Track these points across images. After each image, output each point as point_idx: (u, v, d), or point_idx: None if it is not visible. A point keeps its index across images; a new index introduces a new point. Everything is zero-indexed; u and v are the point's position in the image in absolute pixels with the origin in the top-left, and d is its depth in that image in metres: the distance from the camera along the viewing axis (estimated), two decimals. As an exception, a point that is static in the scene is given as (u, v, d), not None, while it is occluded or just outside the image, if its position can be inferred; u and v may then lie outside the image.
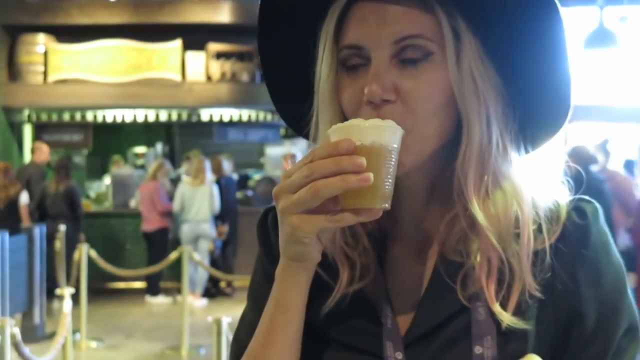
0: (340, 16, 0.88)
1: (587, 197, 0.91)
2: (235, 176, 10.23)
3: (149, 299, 9.08)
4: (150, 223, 9.03)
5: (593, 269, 0.86)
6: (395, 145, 0.79)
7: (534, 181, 0.89)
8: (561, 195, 0.89)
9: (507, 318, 0.82)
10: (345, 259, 0.91)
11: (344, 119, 0.88)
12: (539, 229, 0.86)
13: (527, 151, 0.90)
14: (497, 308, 0.82)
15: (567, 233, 0.86)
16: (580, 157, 5.66)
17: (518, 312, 0.83)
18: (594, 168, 5.96)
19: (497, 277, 0.83)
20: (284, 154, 10.46)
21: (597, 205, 0.90)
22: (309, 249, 0.82)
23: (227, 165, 9.56)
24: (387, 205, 0.79)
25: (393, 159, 0.79)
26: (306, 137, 0.98)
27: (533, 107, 0.89)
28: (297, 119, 0.98)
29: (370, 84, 0.83)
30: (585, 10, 8.41)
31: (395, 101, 0.83)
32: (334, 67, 0.89)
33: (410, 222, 0.93)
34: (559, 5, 0.83)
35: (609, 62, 9.10)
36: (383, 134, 0.78)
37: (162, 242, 9.05)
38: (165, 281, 9.35)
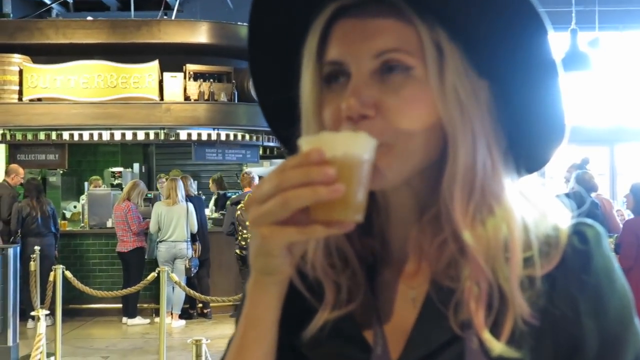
0: (323, 33, 0.87)
1: (588, 221, 0.87)
2: (203, 197, 10.31)
3: (126, 320, 8.97)
4: (125, 244, 8.97)
5: (595, 297, 0.82)
6: (367, 157, 0.77)
7: (530, 203, 0.86)
8: (561, 219, 0.86)
9: (497, 347, 0.78)
10: (330, 281, 0.89)
11: None
12: (542, 255, 0.82)
13: (522, 174, 0.88)
14: (486, 335, 0.79)
15: (568, 259, 0.83)
16: (584, 182, 5.77)
17: (512, 340, 0.79)
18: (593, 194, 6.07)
19: (487, 303, 0.80)
20: (242, 175, 10.49)
21: (600, 229, 0.86)
22: (278, 261, 0.80)
23: (193, 185, 9.59)
24: (359, 217, 0.77)
25: (366, 171, 0.77)
26: None
27: (526, 128, 0.87)
28: (293, 139, 0.94)
29: (348, 99, 0.81)
30: (558, 35, 8.57)
31: (375, 117, 0.81)
32: (316, 85, 0.88)
33: (400, 244, 0.91)
34: (547, 25, 0.81)
35: (581, 85, 9.26)
36: (354, 144, 0.77)
37: (138, 262, 8.99)
38: (141, 302, 9.25)
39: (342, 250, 0.90)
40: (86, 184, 11.70)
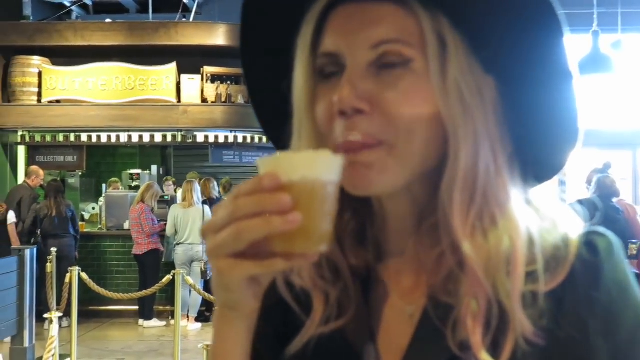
0: (319, 23, 0.81)
1: (601, 230, 0.79)
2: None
3: (142, 322, 8.98)
4: (140, 246, 8.98)
5: (606, 315, 0.74)
6: (331, 178, 0.70)
7: (538, 212, 0.79)
8: (572, 229, 0.79)
9: None
10: (320, 293, 0.82)
11: (315, 137, 0.81)
12: (545, 266, 0.75)
13: (533, 181, 0.81)
14: (483, 356, 0.72)
15: (576, 273, 0.75)
16: (606, 187, 5.67)
17: None
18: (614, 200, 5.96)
19: (486, 320, 0.73)
20: (223, 182, 10.46)
21: (613, 238, 0.78)
22: (239, 296, 0.74)
23: (216, 188, 9.56)
24: (323, 247, 0.70)
25: (329, 195, 0.69)
26: None
27: (537, 132, 0.80)
28: (284, 140, 0.89)
29: (341, 90, 0.74)
30: (580, 37, 8.45)
31: (372, 112, 0.75)
32: (310, 78, 0.81)
33: (397, 256, 0.85)
34: (563, 25, 0.75)
35: (603, 88, 9.14)
36: (314, 167, 0.69)
37: (153, 264, 8.98)
38: (158, 305, 9.25)
39: (333, 261, 0.84)
40: (104, 185, 11.75)
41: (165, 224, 8.97)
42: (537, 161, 0.82)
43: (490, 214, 0.76)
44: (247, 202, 0.67)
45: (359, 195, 0.79)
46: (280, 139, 0.90)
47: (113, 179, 11.47)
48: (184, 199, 8.88)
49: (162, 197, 9.79)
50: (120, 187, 11.50)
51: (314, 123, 0.81)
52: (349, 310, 0.82)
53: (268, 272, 0.73)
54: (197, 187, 8.93)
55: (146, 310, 9.02)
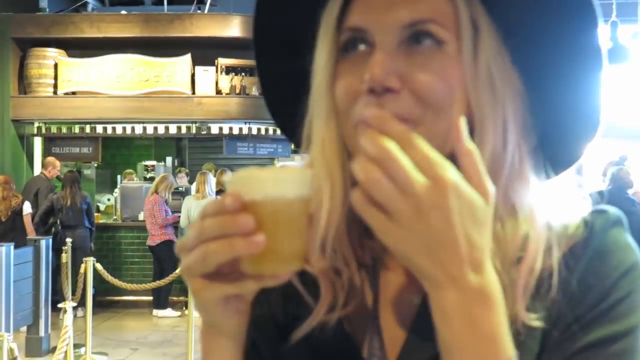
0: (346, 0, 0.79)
1: (603, 207, 0.78)
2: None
3: (157, 312, 9.03)
4: (153, 237, 9.02)
5: (581, 283, 0.73)
6: (299, 194, 0.67)
7: (550, 200, 0.78)
8: (577, 212, 0.78)
9: None
10: (328, 282, 0.81)
11: (335, 115, 0.79)
12: (546, 253, 0.75)
13: (547, 175, 0.79)
14: None
15: (573, 253, 0.75)
16: (619, 179, 5.62)
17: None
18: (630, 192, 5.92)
19: None
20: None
21: (611, 212, 0.77)
22: (217, 315, 0.73)
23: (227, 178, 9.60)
24: (295, 267, 0.68)
25: (298, 213, 0.67)
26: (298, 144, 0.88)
27: (556, 123, 0.79)
28: (292, 124, 0.88)
29: (372, 68, 0.72)
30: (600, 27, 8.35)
31: (401, 91, 0.73)
32: (333, 53, 0.79)
33: None
34: (598, 14, 0.73)
35: (622, 79, 9.04)
36: (278, 184, 0.66)
37: (167, 255, 9.00)
38: (173, 295, 9.30)
39: (340, 251, 0.82)
40: (119, 177, 11.81)
41: (179, 216, 9.00)
42: (554, 153, 0.80)
43: (511, 204, 0.75)
44: (211, 224, 0.66)
45: None
46: (290, 128, 0.89)
47: (128, 171, 11.54)
48: (197, 191, 8.93)
49: (176, 188, 9.82)
50: (135, 179, 11.56)
51: (331, 100, 0.79)
52: (354, 300, 0.81)
53: (242, 292, 0.72)
54: (211, 179, 8.95)
55: (161, 301, 9.07)
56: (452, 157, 0.74)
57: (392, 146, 0.61)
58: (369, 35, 0.76)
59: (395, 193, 0.60)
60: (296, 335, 0.81)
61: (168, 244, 9.03)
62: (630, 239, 0.77)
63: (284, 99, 0.92)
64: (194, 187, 9.53)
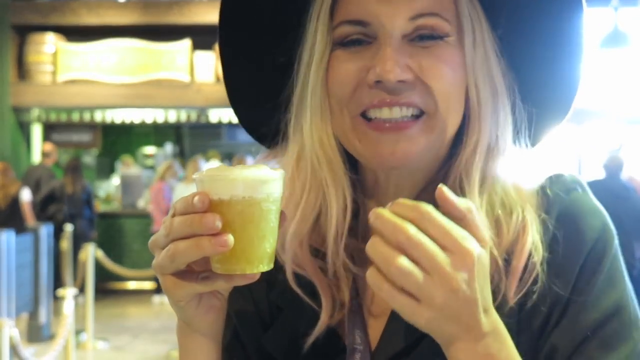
0: None
1: (558, 173, 0.81)
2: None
3: (158, 298, 9.05)
4: (158, 224, 9.03)
5: (554, 253, 0.75)
6: (269, 195, 0.67)
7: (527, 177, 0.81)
8: (533, 180, 0.81)
9: None
10: (324, 285, 0.81)
11: (330, 109, 0.80)
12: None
13: (525, 146, 0.82)
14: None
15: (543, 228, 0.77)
16: (612, 166, 5.62)
17: None
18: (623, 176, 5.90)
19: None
20: (235, 158, 10.51)
21: (569, 177, 0.80)
22: (189, 312, 0.74)
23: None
24: (265, 267, 0.68)
25: (267, 213, 0.67)
26: (271, 146, 0.88)
27: (536, 103, 0.82)
28: (261, 124, 0.89)
29: (384, 64, 0.73)
30: (600, 12, 8.32)
31: (414, 82, 0.74)
32: (328, 46, 0.79)
33: None
34: (584, 4, 0.76)
35: (624, 64, 9.01)
36: (247, 184, 0.66)
37: None
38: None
39: (332, 254, 0.82)
40: (119, 164, 11.78)
41: None
42: (534, 131, 0.83)
43: (503, 189, 0.77)
44: (179, 222, 0.66)
45: (388, 170, 0.78)
46: (254, 123, 0.90)
47: (125, 157, 11.49)
48: (187, 177, 9.04)
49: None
50: (134, 165, 11.52)
51: (325, 95, 0.79)
52: (345, 301, 0.82)
53: (212, 289, 0.72)
54: (202, 166, 9.01)
55: (158, 286, 9.11)
56: (448, 146, 0.78)
57: (412, 230, 0.60)
58: (370, 28, 0.76)
59: (426, 281, 0.60)
60: (305, 344, 0.81)
61: None
62: (594, 201, 0.78)
63: (253, 98, 0.91)
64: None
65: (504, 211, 0.76)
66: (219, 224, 0.65)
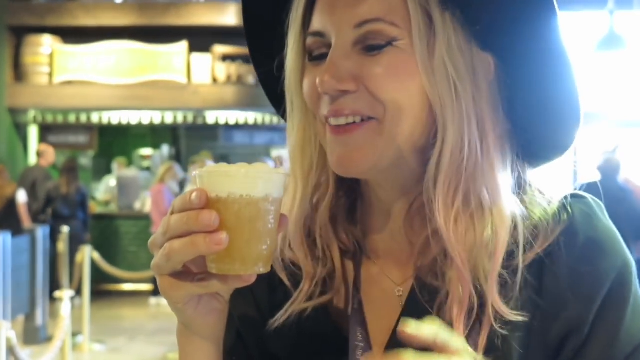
0: (310, 1, 0.80)
1: (578, 193, 0.80)
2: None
3: (154, 300, 9.04)
4: (157, 226, 8.98)
5: (586, 279, 0.75)
6: (268, 194, 0.65)
7: (528, 188, 0.79)
8: (553, 197, 0.79)
9: (477, 355, 0.71)
10: (309, 270, 0.81)
11: (306, 114, 0.81)
12: (528, 243, 0.76)
13: (540, 160, 0.81)
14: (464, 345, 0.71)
15: (555, 241, 0.76)
16: (608, 168, 5.62)
17: (491, 347, 0.73)
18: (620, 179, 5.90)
19: (469, 308, 0.73)
20: (274, 158, 10.44)
21: (590, 199, 0.79)
22: (188, 314, 0.73)
23: None
24: (261, 269, 0.66)
25: (265, 213, 0.65)
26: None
27: (540, 112, 0.78)
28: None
29: (323, 75, 0.74)
30: (595, 15, 8.34)
31: (358, 90, 0.74)
32: (300, 54, 0.81)
33: (386, 236, 0.84)
34: (556, 6, 0.73)
35: (620, 67, 9.04)
36: (245, 182, 0.64)
37: None
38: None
39: (324, 236, 0.83)
40: (115, 165, 11.75)
41: None
42: (541, 140, 0.80)
43: (477, 197, 0.75)
44: (176, 220, 0.66)
45: (346, 176, 0.79)
46: (284, 113, 0.89)
47: (120, 159, 11.38)
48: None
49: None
50: (129, 167, 11.46)
51: (303, 100, 0.81)
52: (335, 289, 0.82)
53: (208, 291, 0.71)
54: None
55: (154, 288, 9.08)
56: (415, 158, 0.77)
57: None
58: (327, 38, 0.77)
59: None
60: (275, 321, 0.81)
61: None
62: (614, 228, 0.78)
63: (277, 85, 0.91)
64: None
65: (478, 222, 0.75)
66: (216, 221, 0.64)
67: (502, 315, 0.73)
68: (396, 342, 0.76)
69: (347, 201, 0.86)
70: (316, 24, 0.79)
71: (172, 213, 0.67)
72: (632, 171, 7.48)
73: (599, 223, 0.77)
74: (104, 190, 11.82)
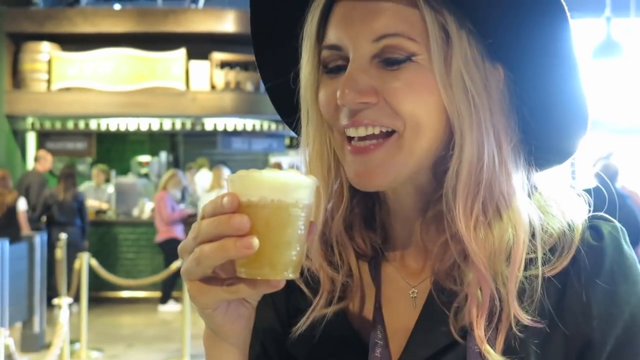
0: (324, 13, 0.81)
1: (606, 215, 0.82)
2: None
3: (160, 307, 9.01)
4: (160, 233, 8.97)
5: (608, 300, 0.76)
6: (298, 200, 0.65)
7: (543, 199, 0.81)
8: (577, 215, 0.80)
9: (496, 358, 0.73)
10: (327, 276, 0.83)
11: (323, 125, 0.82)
12: (550, 252, 0.78)
13: (545, 166, 0.82)
14: (486, 347, 0.74)
15: (580, 258, 0.77)
16: (607, 174, 5.64)
17: (509, 350, 0.74)
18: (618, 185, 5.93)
19: (489, 311, 0.75)
20: (271, 164, 10.46)
21: (618, 224, 0.81)
22: (216, 320, 0.73)
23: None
24: (290, 274, 0.66)
25: (295, 219, 0.65)
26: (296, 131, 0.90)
27: (547, 119, 0.80)
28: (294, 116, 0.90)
29: (343, 88, 0.75)
30: (593, 22, 8.37)
31: (377, 103, 0.75)
32: (315, 69, 0.82)
33: (403, 241, 0.86)
34: (568, 14, 0.74)
35: (616, 74, 9.07)
36: (276, 187, 0.64)
37: (170, 253, 8.90)
38: (177, 290, 9.27)
39: (340, 245, 0.84)
40: (113, 172, 11.68)
41: (188, 212, 9.00)
42: (547, 146, 0.82)
43: (495, 205, 0.77)
44: (207, 224, 0.66)
45: (364, 190, 0.80)
46: (296, 124, 0.90)
47: (101, 166, 10.94)
48: (211, 187, 9.07)
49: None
50: (104, 174, 11.03)
51: (319, 114, 0.82)
52: (353, 293, 0.83)
53: (237, 297, 0.71)
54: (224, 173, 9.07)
55: (163, 295, 9.05)
56: (432, 167, 0.79)
57: None
58: (344, 51, 0.78)
59: None
60: (298, 329, 0.83)
61: (171, 242, 8.93)
62: (635, 256, 0.80)
63: (286, 96, 0.92)
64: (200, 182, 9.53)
65: (498, 229, 0.76)
66: (247, 225, 0.64)
67: (519, 319, 0.74)
68: (414, 344, 0.79)
69: (364, 207, 0.87)
70: (332, 36, 0.79)
71: (203, 218, 0.67)
72: (628, 177, 7.50)
73: (625, 249, 0.79)
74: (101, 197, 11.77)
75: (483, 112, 0.76)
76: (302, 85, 0.84)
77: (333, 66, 0.80)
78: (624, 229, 0.81)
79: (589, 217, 0.81)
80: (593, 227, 0.79)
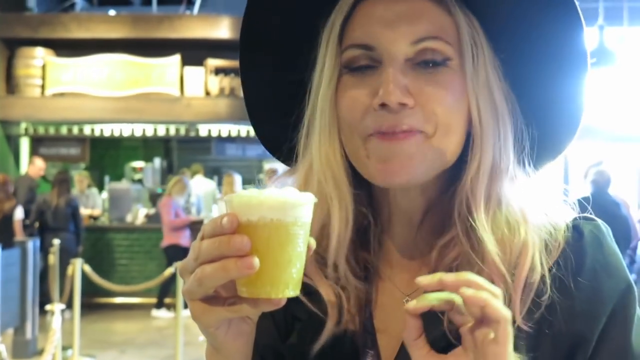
0: (346, 14, 0.81)
1: (589, 216, 0.83)
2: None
3: (154, 311, 8.97)
4: (165, 239, 8.92)
5: (593, 298, 0.77)
6: (297, 219, 0.66)
7: (537, 204, 0.82)
8: (562, 217, 0.82)
9: None
10: (331, 298, 0.82)
11: (338, 130, 0.82)
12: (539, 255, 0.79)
13: (528, 171, 0.84)
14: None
15: (565, 257, 0.79)
16: (600, 181, 5.66)
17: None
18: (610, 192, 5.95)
19: None
20: (266, 171, 10.41)
21: (600, 223, 0.82)
22: (218, 338, 0.73)
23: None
24: (291, 292, 0.67)
25: (295, 237, 0.66)
26: (285, 161, 0.90)
27: (541, 126, 0.83)
28: (276, 140, 0.90)
29: (387, 86, 0.75)
30: (586, 30, 8.40)
31: (414, 106, 0.76)
32: (337, 68, 0.81)
33: (400, 247, 0.86)
34: (583, 22, 0.77)
35: (609, 83, 9.11)
36: (277, 207, 0.65)
37: (174, 258, 8.80)
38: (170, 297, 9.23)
39: (340, 265, 0.84)
40: (107, 178, 11.65)
41: (192, 219, 8.98)
42: (538, 154, 0.84)
43: (508, 208, 0.79)
44: (207, 245, 0.66)
45: (388, 186, 0.80)
46: (275, 141, 0.91)
47: (83, 173, 10.77)
48: (224, 193, 9.02)
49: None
50: (85, 181, 10.97)
51: (334, 118, 0.81)
52: (347, 308, 0.83)
53: (239, 316, 0.72)
54: (239, 180, 8.96)
55: (158, 301, 9.01)
56: (454, 168, 0.79)
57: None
58: (375, 52, 0.78)
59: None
60: (313, 350, 0.82)
61: (174, 248, 8.86)
62: (619, 253, 0.81)
63: (268, 113, 0.92)
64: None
65: (508, 230, 0.78)
66: (247, 245, 0.64)
67: (518, 324, 0.75)
68: (405, 351, 0.78)
69: (359, 226, 0.86)
70: (360, 36, 0.79)
71: (203, 238, 0.67)
72: (619, 185, 7.54)
73: (607, 246, 0.80)
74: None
75: (503, 120, 0.79)
76: (320, 88, 0.83)
77: (358, 66, 0.79)
78: (607, 226, 0.82)
79: (573, 218, 0.82)
80: (574, 227, 0.81)
